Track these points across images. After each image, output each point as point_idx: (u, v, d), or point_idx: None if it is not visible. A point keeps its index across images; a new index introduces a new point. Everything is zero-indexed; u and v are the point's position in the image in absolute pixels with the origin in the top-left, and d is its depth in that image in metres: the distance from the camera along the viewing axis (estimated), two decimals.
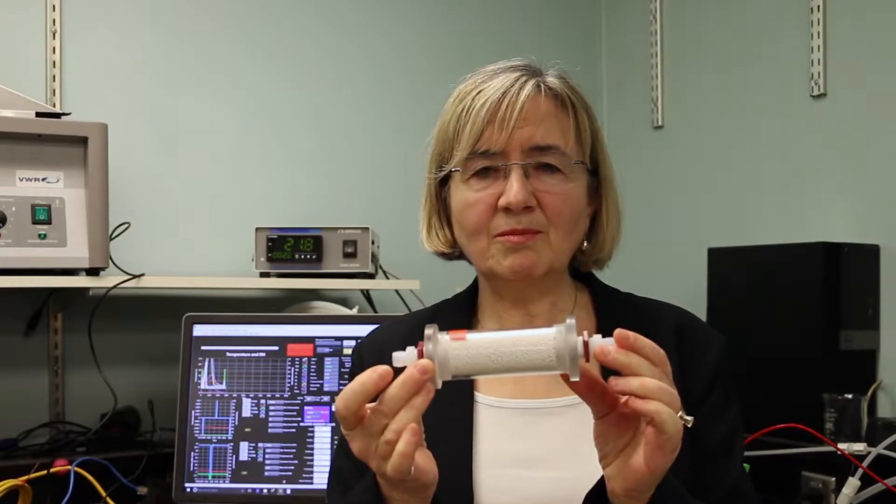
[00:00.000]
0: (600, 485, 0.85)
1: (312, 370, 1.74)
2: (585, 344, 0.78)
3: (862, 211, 2.01)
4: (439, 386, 0.80)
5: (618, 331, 0.78)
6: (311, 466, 1.71)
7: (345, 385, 1.75)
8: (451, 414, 1.01)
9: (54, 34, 2.08)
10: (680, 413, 0.78)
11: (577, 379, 0.78)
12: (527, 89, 1.00)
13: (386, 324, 1.17)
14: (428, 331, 0.80)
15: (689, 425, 0.79)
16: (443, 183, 1.07)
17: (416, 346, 0.80)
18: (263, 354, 1.75)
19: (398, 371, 0.80)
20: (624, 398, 0.79)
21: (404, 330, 1.12)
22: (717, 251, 2.11)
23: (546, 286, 1.07)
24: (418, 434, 0.78)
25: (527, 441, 1.01)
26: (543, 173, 1.00)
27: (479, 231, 1.02)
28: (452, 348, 0.80)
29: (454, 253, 1.11)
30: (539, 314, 1.08)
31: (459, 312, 1.12)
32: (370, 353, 1.12)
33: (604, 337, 0.79)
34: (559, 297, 1.09)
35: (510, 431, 1.02)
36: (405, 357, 0.80)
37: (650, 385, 0.77)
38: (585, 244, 1.08)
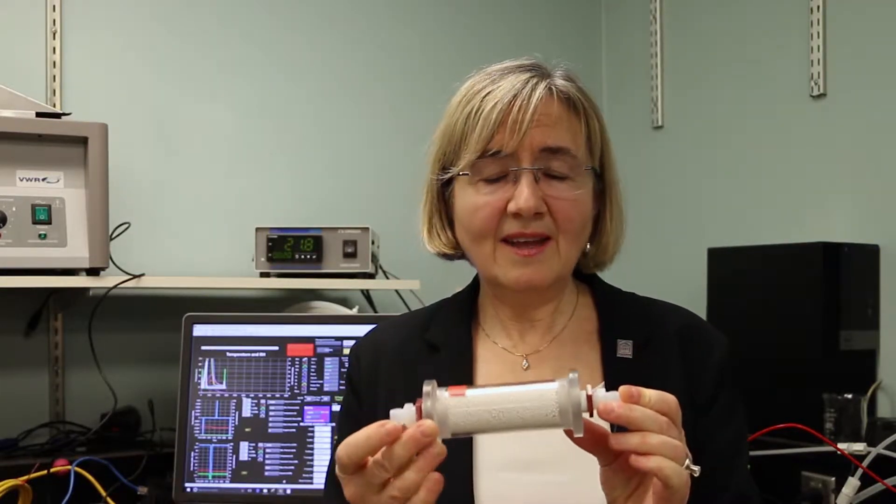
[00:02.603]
0: None
1: (312, 370, 1.74)
2: (589, 398, 0.76)
3: (862, 211, 2.01)
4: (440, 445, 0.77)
5: (623, 387, 0.77)
6: (311, 466, 1.71)
7: (344, 385, 1.75)
8: None
9: (54, 34, 2.08)
10: (686, 463, 0.76)
11: (580, 435, 0.77)
12: (538, 92, 0.98)
13: (383, 324, 1.16)
14: (427, 387, 0.77)
15: (695, 475, 0.77)
16: (446, 184, 1.05)
17: (414, 404, 0.77)
18: (263, 354, 1.75)
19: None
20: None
21: (401, 332, 1.11)
22: (717, 251, 2.11)
23: (550, 294, 1.06)
24: (440, 483, 0.76)
25: (526, 444, 0.99)
26: (553, 178, 0.98)
27: (485, 235, 1.00)
28: (452, 405, 0.77)
29: (456, 254, 1.09)
30: (541, 319, 1.07)
31: (459, 314, 1.10)
32: (367, 354, 1.11)
33: (608, 382, 0.78)
34: (561, 302, 1.08)
35: (510, 435, 1.01)
36: (404, 416, 0.77)
37: (652, 441, 0.75)
38: (588, 246, 1.07)
